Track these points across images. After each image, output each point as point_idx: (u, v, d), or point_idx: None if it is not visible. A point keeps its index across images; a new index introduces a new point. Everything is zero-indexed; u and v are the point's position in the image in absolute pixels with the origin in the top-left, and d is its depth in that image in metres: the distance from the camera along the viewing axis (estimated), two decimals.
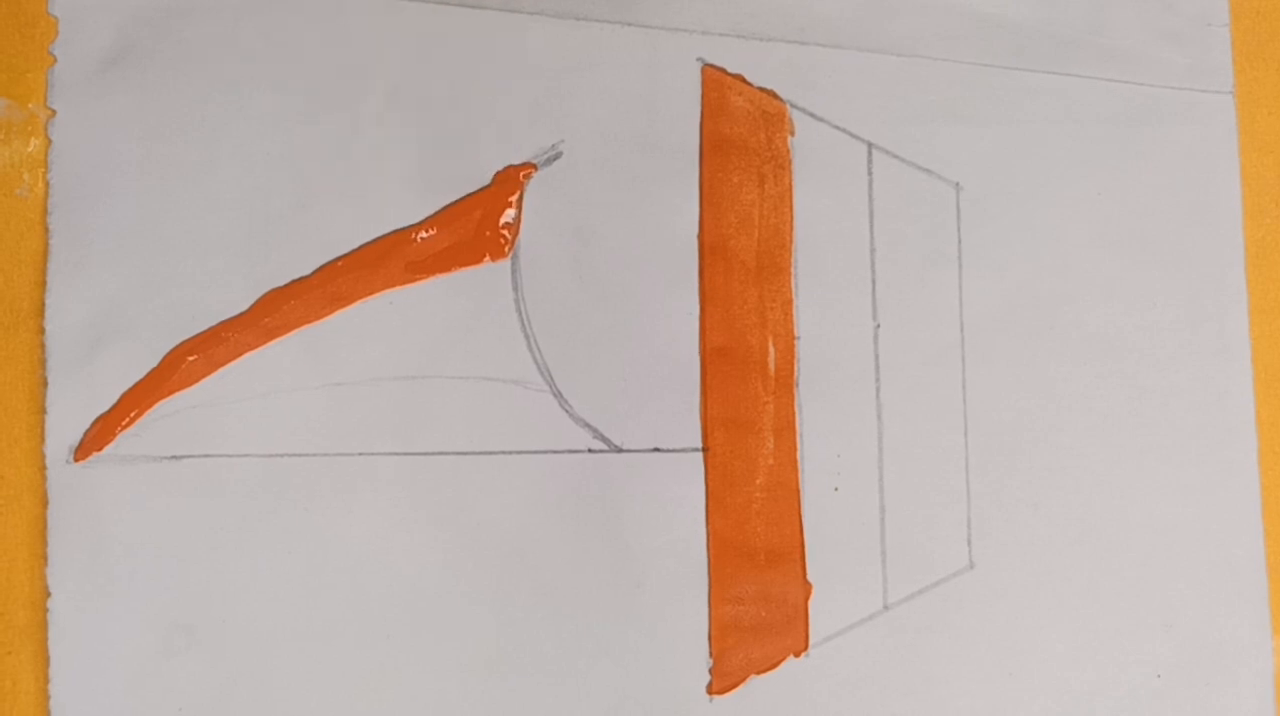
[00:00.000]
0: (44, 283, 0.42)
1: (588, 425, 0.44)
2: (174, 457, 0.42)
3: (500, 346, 0.44)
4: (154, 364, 0.42)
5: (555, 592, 0.43)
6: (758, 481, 0.45)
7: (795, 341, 0.45)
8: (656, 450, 0.44)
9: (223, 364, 0.42)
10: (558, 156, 0.45)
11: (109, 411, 0.42)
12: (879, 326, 0.46)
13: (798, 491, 0.45)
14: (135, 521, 0.41)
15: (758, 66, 0.46)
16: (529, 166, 0.44)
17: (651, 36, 0.46)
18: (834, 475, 0.45)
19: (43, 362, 0.42)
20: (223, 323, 0.42)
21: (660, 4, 0.46)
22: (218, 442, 0.42)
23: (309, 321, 0.43)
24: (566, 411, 0.44)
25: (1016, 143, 0.47)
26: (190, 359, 0.42)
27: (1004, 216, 0.47)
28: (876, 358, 0.46)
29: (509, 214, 0.44)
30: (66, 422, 0.42)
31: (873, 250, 0.46)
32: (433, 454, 0.43)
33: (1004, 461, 0.46)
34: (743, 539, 0.44)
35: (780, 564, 0.44)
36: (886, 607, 0.45)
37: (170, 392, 0.42)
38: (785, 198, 0.46)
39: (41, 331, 0.42)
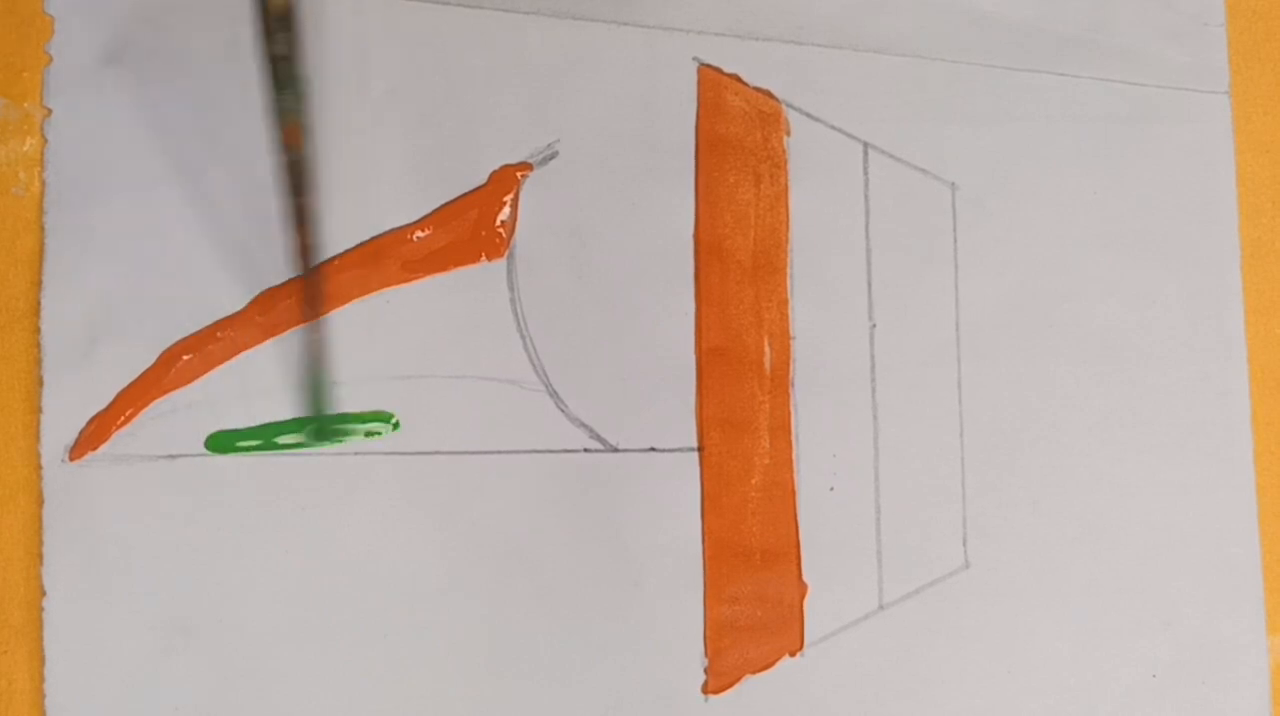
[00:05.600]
0: (40, 282, 0.42)
1: (583, 425, 0.44)
2: (169, 456, 0.42)
3: (496, 346, 0.44)
4: (150, 363, 0.42)
5: (551, 592, 0.43)
6: (753, 481, 0.45)
7: (791, 341, 0.45)
8: (652, 450, 0.44)
9: (218, 363, 0.42)
10: (553, 155, 0.45)
11: (104, 410, 0.42)
12: (875, 326, 0.46)
13: (793, 491, 0.45)
14: (131, 520, 0.42)
15: (754, 66, 0.46)
16: (524, 166, 0.44)
17: (648, 36, 0.46)
18: (830, 475, 0.45)
19: (38, 362, 0.42)
20: (218, 321, 0.42)
21: (657, 3, 0.46)
22: None
23: (305, 321, 0.43)
24: (562, 411, 0.44)
25: (1012, 142, 0.47)
26: (186, 358, 0.42)
27: (1000, 216, 0.47)
28: (872, 357, 0.46)
29: (505, 213, 0.44)
30: (62, 421, 0.42)
31: (869, 250, 0.46)
32: (429, 453, 0.43)
33: (1000, 460, 0.46)
34: (738, 538, 0.44)
35: (776, 563, 0.44)
36: (882, 607, 0.45)
37: (166, 391, 0.42)
38: (781, 197, 0.46)
39: (37, 330, 0.42)
